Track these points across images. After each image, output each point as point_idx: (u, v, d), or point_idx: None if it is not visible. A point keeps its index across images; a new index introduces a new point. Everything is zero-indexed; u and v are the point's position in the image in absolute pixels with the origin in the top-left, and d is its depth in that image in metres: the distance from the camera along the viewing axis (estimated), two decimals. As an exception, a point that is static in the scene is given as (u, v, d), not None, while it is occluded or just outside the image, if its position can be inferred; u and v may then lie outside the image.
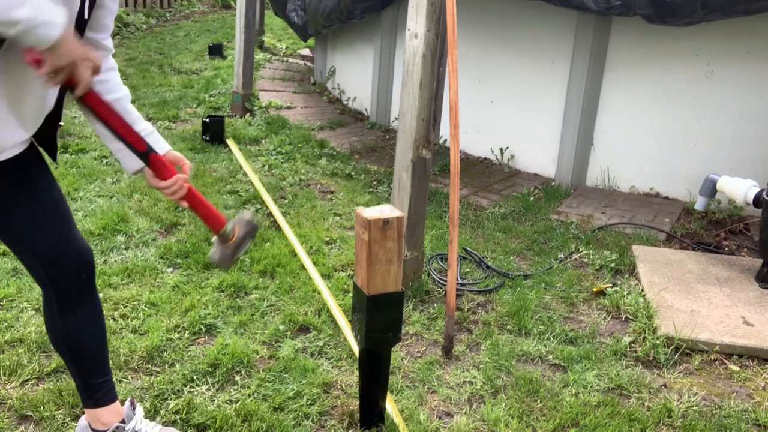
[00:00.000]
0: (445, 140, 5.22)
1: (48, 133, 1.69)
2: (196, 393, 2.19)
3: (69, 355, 1.83)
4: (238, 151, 4.71)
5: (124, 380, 2.22)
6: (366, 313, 1.90)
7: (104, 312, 2.59)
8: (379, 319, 1.92)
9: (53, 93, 1.62)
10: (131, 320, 2.56)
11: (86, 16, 1.58)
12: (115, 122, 1.67)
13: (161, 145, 1.83)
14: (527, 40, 4.75)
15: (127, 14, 9.09)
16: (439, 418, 2.19)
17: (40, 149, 1.73)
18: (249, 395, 2.19)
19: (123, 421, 1.90)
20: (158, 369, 2.30)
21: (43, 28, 1.31)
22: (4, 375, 2.20)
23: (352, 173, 4.54)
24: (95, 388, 1.87)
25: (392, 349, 2.05)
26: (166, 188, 1.73)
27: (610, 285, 3.12)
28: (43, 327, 2.44)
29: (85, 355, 1.85)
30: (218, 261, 1.97)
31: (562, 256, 3.44)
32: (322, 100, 6.68)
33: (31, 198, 1.67)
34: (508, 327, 2.75)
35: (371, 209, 1.87)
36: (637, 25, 4.09)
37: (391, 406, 2.16)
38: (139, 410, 1.96)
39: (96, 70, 1.48)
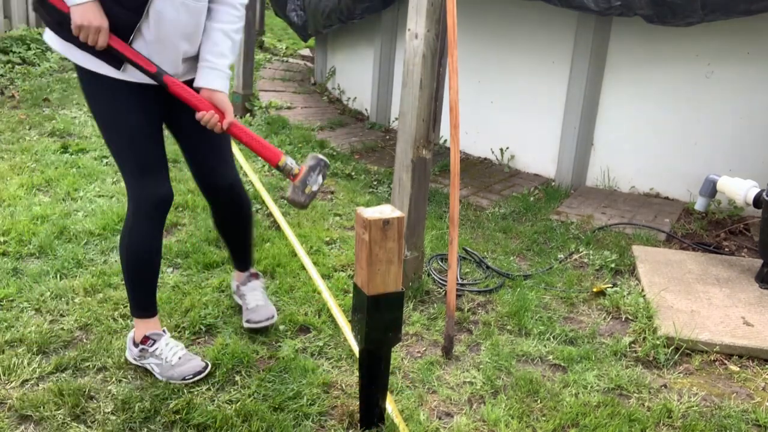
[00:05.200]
0: (445, 140, 5.22)
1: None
2: (196, 393, 2.19)
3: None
4: (239, 151, 4.71)
5: (124, 380, 2.22)
6: (366, 313, 1.90)
7: (104, 312, 2.59)
8: (379, 319, 1.92)
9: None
10: (131, 320, 2.56)
11: None
12: (122, 49, 1.99)
13: (205, 80, 2.08)
14: (527, 40, 4.75)
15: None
16: (439, 418, 2.19)
17: None
18: (249, 395, 2.19)
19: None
20: (158, 369, 2.30)
21: None
22: (4, 375, 2.20)
23: (352, 173, 4.54)
24: None
25: (392, 349, 2.05)
26: (201, 120, 2.03)
27: (610, 285, 3.12)
28: (44, 327, 2.46)
29: None
30: (290, 198, 2.17)
31: (562, 256, 3.44)
32: (322, 101, 6.68)
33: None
34: (508, 327, 2.75)
35: (371, 209, 1.87)
36: (637, 25, 4.09)
37: (391, 406, 2.16)
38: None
39: (103, 39, 1.93)
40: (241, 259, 2.67)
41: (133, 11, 1.97)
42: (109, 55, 2.00)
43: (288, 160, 2.15)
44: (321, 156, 2.21)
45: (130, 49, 2.01)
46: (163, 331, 2.31)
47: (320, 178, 2.18)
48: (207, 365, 2.26)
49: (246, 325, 2.52)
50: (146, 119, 2.13)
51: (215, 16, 2.09)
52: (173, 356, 2.23)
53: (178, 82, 2.07)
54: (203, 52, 2.09)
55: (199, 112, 2.06)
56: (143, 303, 2.27)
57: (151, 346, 2.25)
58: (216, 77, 2.09)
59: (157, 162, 2.16)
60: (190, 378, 2.21)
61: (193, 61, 2.14)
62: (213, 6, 2.09)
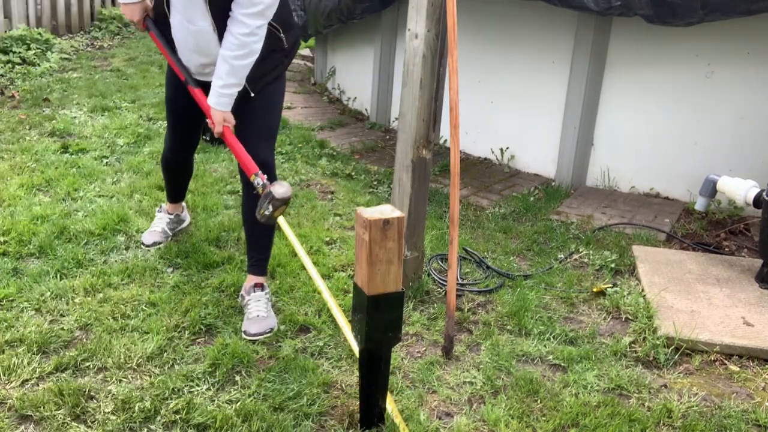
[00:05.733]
0: (445, 140, 5.22)
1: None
2: (196, 393, 2.19)
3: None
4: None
5: (124, 380, 2.23)
6: (366, 313, 1.90)
7: (104, 312, 2.60)
8: (380, 319, 1.92)
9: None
10: (131, 320, 2.56)
11: None
12: (165, 54, 2.65)
13: (210, 98, 2.47)
14: (527, 40, 4.75)
15: (128, 14, 9.09)
16: (439, 419, 2.19)
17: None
18: (249, 395, 2.19)
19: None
20: (158, 369, 2.30)
21: None
22: (4, 375, 2.20)
23: (352, 173, 4.54)
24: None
25: (392, 349, 2.05)
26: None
27: (610, 285, 3.12)
28: (44, 327, 2.46)
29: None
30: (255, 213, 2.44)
31: (562, 256, 3.44)
32: (322, 101, 6.68)
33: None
34: (508, 327, 2.75)
35: (371, 209, 1.87)
36: (637, 25, 4.09)
37: (391, 406, 2.16)
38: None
39: (139, 26, 2.67)
40: (254, 260, 2.72)
41: (164, 25, 2.61)
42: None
43: (256, 180, 2.43)
44: (275, 190, 2.34)
45: (169, 56, 2.62)
46: (169, 213, 3.23)
47: (270, 207, 2.36)
48: (152, 244, 3.13)
49: (243, 335, 2.53)
50: (179, 99, 2.74)
51: (222, 44, 2.42)
52: (153, 227, 3.22)
53: (197, 92, 2.57)
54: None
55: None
56: (167, 193, 3.25)
57: (159, 211, 3.29)
58: (210, 95, 2.48)
59: (177, 129, 2.93)
60: (144, 245, 3.15)
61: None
62: (225, 34, 2.41)
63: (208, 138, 4.85)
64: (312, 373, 2.32)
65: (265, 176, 2.43)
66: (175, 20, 2.52)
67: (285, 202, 2.36)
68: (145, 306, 2.67)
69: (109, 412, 2.07)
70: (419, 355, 2.54)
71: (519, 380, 2.37)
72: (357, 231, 1.88)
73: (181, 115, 2.86)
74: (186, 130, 2.94)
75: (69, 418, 2.03)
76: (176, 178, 3.17)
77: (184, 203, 3.36)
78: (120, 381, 2.22)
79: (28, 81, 6.13)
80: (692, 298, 2.95)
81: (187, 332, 2.52)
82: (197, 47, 2.52)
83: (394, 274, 1.89)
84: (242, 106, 2.54)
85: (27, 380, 2.19)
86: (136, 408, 2.08)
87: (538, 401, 2.28)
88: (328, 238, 3.44)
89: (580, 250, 3.52)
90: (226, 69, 2.40)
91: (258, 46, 2.40)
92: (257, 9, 2.30)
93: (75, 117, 5.10)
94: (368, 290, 1.88)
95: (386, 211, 1.86)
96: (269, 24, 2.43)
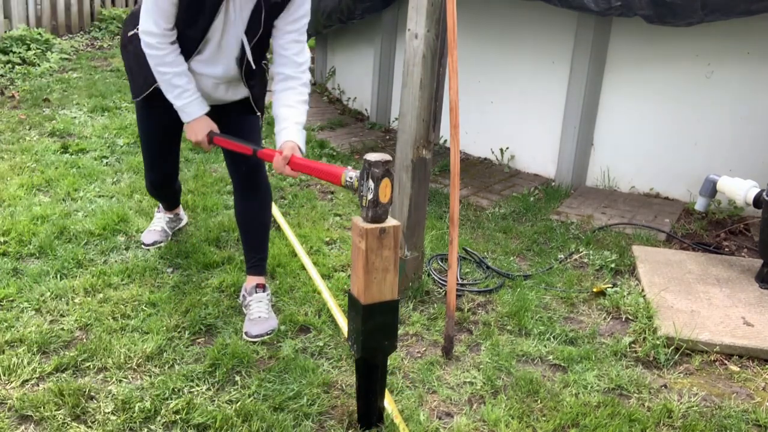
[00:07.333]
0: (445, 140, 5.22)
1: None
2: (196, 393, 2.19)
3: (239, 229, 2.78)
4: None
5: (124, 380, 2.23)
6: (362, 321, 1.90)
7: (104, 312, 2.60)
8: (375, 327, 1.92)
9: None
10: (131, 320, 2.57)
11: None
12: (226, 144, 2.51)
13: (282, 138, 2.37)
14: (527, 40, 4.75)
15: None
16: (439, 419, 2.19)
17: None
18: (249, 395, 2.19)
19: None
20: (158, 369, 2.30)
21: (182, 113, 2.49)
22: (4, 375, 2.20)
23: (352, 173, 4.54)
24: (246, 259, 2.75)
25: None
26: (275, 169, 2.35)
27: (610, 285, 3.12)
28: (43, 327, 2.46)
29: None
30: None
31: (562, 256, 3.44)
32: (322, 101, 6.68)
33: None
34: (508, 327, 2.75)
35: None
36: (637, 25, 4.09)
37: (391, 406, 2.16)
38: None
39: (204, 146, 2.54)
40: (254, 261, 2.72)
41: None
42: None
43: (347, 176, 1.97)
44: (370, 156, 1.89)
45: (232, 144, 2.53)
46: (168, 213, 3.26)
47: (371, 182, 1.87)
48: (152, 243, 3.15)
49: (244, 336, 2.53)
50: (160, 130, 2.75)
51: (287, 100, 2.46)
52: (152, 226, 3.25)
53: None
54: (279, 126, 2.45)
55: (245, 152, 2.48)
56: (161, 205, 3.26)
57: (158, 211, 3.31)
58: (292, 133, 2.39)
59: (159, 158, 2.86)
60: (144, 245, 3.16)
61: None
62: (289, 93, 2.47)
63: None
64: (312, 373, 2.32)
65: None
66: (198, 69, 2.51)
67: (372, 162, 1.88)
68: (145, 306, 2.67)
69: (109, 412, 2.07)
70: (419, 355, 2.54)
71: (519, 380, 2.37)
72: (353, 239, 1.88)
73: (162, 141, 2.80)
74: (167, 156, 2.88)
75: (69, 418, 2.03)
76: (167, 197, 3.16)
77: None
78: (120, 381, 2.22)
79: (28, 81, 6.13)
80: (692, 298, 2.95)
81: (187, 332, 2.52)
82: (222, 91, 2.60)
83: (390, 282, 1.89)
84: (246, 126, 2.68)
85: (27, 380, 2.19)
86: (136, 408, 2.08)
87: (538, 401, 2.28)
88: (328, 238, 3.44)
89: (580, 250, 3.52)
90: (302, 118, 2.46)
91: None
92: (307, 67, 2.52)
93: (75, 117, 5.10)
94: (364, 299, 1.87)
95: (382, 219, 1.87)
96: (263, 63, 2.64)
